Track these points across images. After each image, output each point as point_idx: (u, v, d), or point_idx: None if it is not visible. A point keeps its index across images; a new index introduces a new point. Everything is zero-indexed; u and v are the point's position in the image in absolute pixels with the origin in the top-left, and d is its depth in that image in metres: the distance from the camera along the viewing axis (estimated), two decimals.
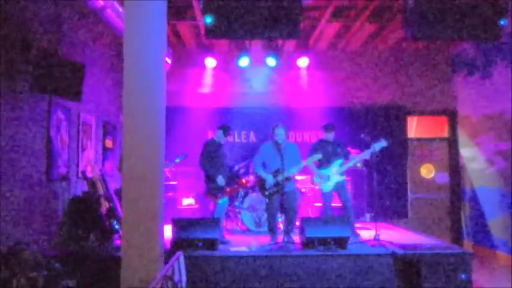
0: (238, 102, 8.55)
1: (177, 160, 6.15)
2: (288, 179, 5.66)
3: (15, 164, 4.30)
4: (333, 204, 7.35)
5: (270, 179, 5.70)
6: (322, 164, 6.04)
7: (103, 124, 7.00)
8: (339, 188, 5.98)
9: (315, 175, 6.16)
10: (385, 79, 8.71)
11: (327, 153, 6.01)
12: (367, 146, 5.94)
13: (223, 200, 6.02)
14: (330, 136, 6.11)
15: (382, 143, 5.93)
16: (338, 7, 6.57)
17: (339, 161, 5.92)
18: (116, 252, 4.85)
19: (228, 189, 6.14)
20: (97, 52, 6.64)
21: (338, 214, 7.09)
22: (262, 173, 5.78)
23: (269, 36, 5.43)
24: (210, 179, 6.02)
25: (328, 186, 5.99)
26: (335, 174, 5.90)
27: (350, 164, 5.88)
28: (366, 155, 5.82)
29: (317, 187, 6.25)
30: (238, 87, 8.63)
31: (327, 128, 6.15)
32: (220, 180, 5.95)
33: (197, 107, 8.41)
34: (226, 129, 6.21)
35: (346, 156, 5.94)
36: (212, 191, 6.00)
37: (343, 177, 5.93)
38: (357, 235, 5.86)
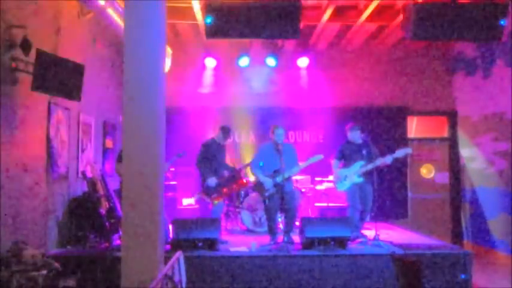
0: (238, 102, 8.53)
1: (178, 156, 6.06)
2: (287, 179, 5.67)
3: (15, 163, 4.29)
4: (333, 204, 7.41)
5: (268, 183, 5.70)
6: (345, 164, 6.05)
7: (103, 124, 7.00)
8: (360, 189, 5.93)
9: (333, 174, 6.17)
10: (385, 79, 8.71)
11: (350, 154, 6.00)
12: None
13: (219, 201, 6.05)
14: (355, 137, 6.02)
15: (407, 150, 5.92)
16: (338, 7, 6.57)
17: (360, 163, 5.88)
18: (116, 252, 4.85)
19: (224, 190, 6.14)
20: (97, 52, 6.64)
21: (338, 214, 7.12)
22: (261, 176, 5.78)
23: (269, 36, 5.43)
24: (204, 179, 6.02)
25: (343, 185, 5.96)
26: (353, 175, 5.89)
27: (370, 166, 5.84)
28: (389, 159, 5.78)
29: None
30: (238, 87, 8.62)
31: (350, 129, 6.07)
32: (211, 181, 5.94)
33: (197, 107, 8.40)
34: (225, 132, 6.21)
35: (370, 158, 5.89)
36: (206, 191, 6.01)
37: (361, 179, 5.88)
38: (364, 236, 5.87)
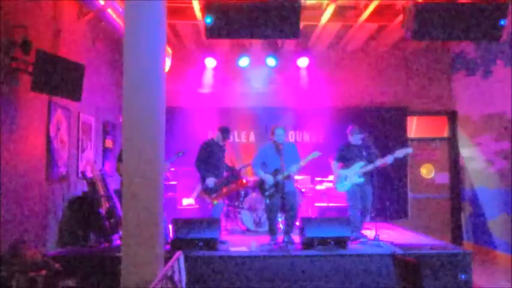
0: (238, 102, 8.54)
1: (178, 155, 6.05)
2: (287, 178, 5.66)
3: (15, 163, 4.30)
4: (333, 204, 7.41)
5: (269, 180, 5.71)
6: (345, 165, 6.06)
7: (103, 124, 7.00)
8: (360, 189, 5.94)
9: (333, 175, 6.19)
10: (385, 79, 8.71)
11: (350, 155, 6.02)
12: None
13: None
14: (356, 139, 6.03)
15: (407, 150, 5.91)
16: (338, 7, 6.57)
17: (361, 164, 5.90)
18: (116, 252, 4.85)
19: (224, 190, 6.13)
20: (97, 52, 6.64)
21: (338, 214, 7.12)
22: (262, 174, 5.79)
23: (269, 36, 5.43)
24: (204, 179, 6.02)
25: (344, 186, 5.98)
26: (353, 175, 5.90)
27: (370, 167, 5.85)
28: (389, 159, 5.79)
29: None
30: (238, 87, 8.62)
31: (351, 132, 6.08)
32: (210, 182, 5.94)
33: (197, 107, 8.40)
34: (225, 132, 6.21)
35: (370, 160, 5.90)
36: (206, 191, 6.01)
37: (362, 179, 5.90)
38: (364, 236, 5.87)
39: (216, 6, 5.01)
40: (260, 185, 5.86)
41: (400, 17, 5.95)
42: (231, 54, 8.45)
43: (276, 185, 5.69)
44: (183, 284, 3.95)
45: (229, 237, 6.25)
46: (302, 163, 5.76)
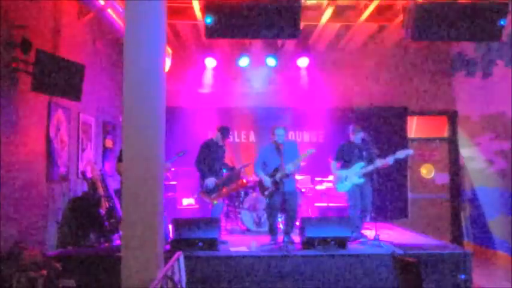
0: (238, 102, 8.54)
1: (178, 155, 6.04)
2: (286, 176, 5.65)
3: (15, 164, 4.30)
4: (333, 204, 7.41)
5: (267, 181, 5.71)
6: (345, 165, 6.05)
7: (103, 124, 7.00)
8: (361, 189, 5.94)
9: (333, 175, 6.18)
10: (385, 79, 8.70)
11: (351, 155, 6.01)
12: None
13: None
14: (358, 138, 6.03)
15: (408, 151, 5.92)
16: (338, 7, 6.57)
17: (361, 164, 5.90)
18: (116, 252, 4.85)
19: (224, 190, 6.14)
20: (97, 52, 6.64)
21: (338, 214, 7.12)
22: (261, 174, 5.81)
23: (269, 36, 5.43)
24: (203, 179, 6.03)
25: (344, 186, 5.98)
26: (353, 175, 5.90)
27: (370, 168, 5.85)
28: (390, 160, 5.79)
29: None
30: (238, 87, 8.62)
31: (352, 130, 6.08)
32: (210, 182, 5.94)
33: (197, 107, 8.40)
34: (224, 132, 6.21)
35: (370, 160, 5.91)
36: (206, 191, 6.01)
37: (362, 180, 5.90)
38: (364, 236, 5.87)
39: (216, 6, 5.02)
40: (260, 185, 5.87)
41: (400, 17, 5.95)
42: (231, 54, 8.44)
43: (275, 184, 5.69)
44: (183, 284, 3.95)
45: (229, 237, 6.25)
46: (298, 161, 5.73)
